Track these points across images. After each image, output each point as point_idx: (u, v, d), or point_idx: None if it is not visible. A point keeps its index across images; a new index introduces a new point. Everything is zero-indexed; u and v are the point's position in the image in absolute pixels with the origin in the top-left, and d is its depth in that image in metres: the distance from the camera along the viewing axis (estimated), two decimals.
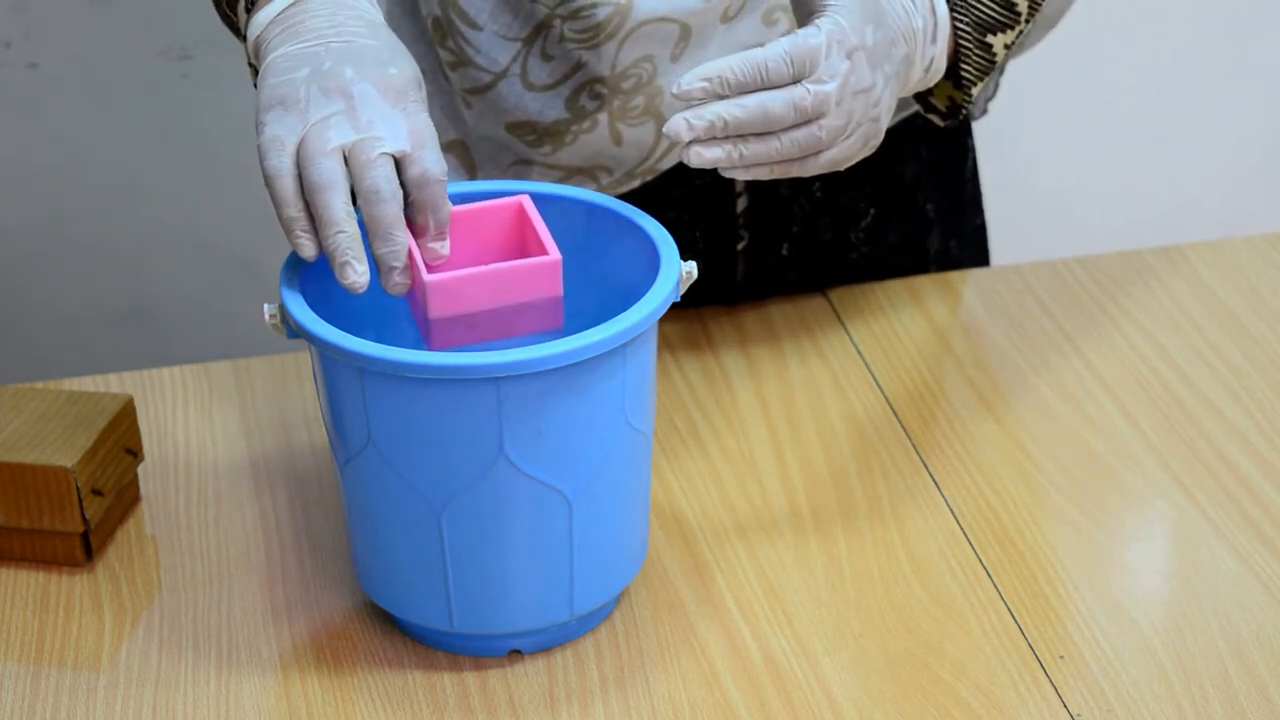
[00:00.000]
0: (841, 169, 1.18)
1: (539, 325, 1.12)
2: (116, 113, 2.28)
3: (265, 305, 1.13)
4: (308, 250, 1.08)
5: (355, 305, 1.15)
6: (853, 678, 1.13)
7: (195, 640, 1.18)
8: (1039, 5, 1.27)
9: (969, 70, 1.25)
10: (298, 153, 1.08)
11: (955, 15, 1.23)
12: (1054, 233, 2.51)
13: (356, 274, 1.07)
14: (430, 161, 1.09)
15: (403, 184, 1.09)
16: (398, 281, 1.09)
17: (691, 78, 1.10)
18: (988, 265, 1.58)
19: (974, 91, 1.27)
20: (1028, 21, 1.28)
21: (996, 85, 1.49)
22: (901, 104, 1.42)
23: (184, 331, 2.41)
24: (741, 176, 1.13)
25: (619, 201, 1.18)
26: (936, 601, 1.19)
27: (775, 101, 1.11)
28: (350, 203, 1.08)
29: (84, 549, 1.23)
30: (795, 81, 1.11)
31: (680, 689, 1.13)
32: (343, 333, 1.07)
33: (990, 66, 1.27)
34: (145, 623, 1.19)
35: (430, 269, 1.10)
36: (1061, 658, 1.14)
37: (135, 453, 1.27)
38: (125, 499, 1.28)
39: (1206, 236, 2.38)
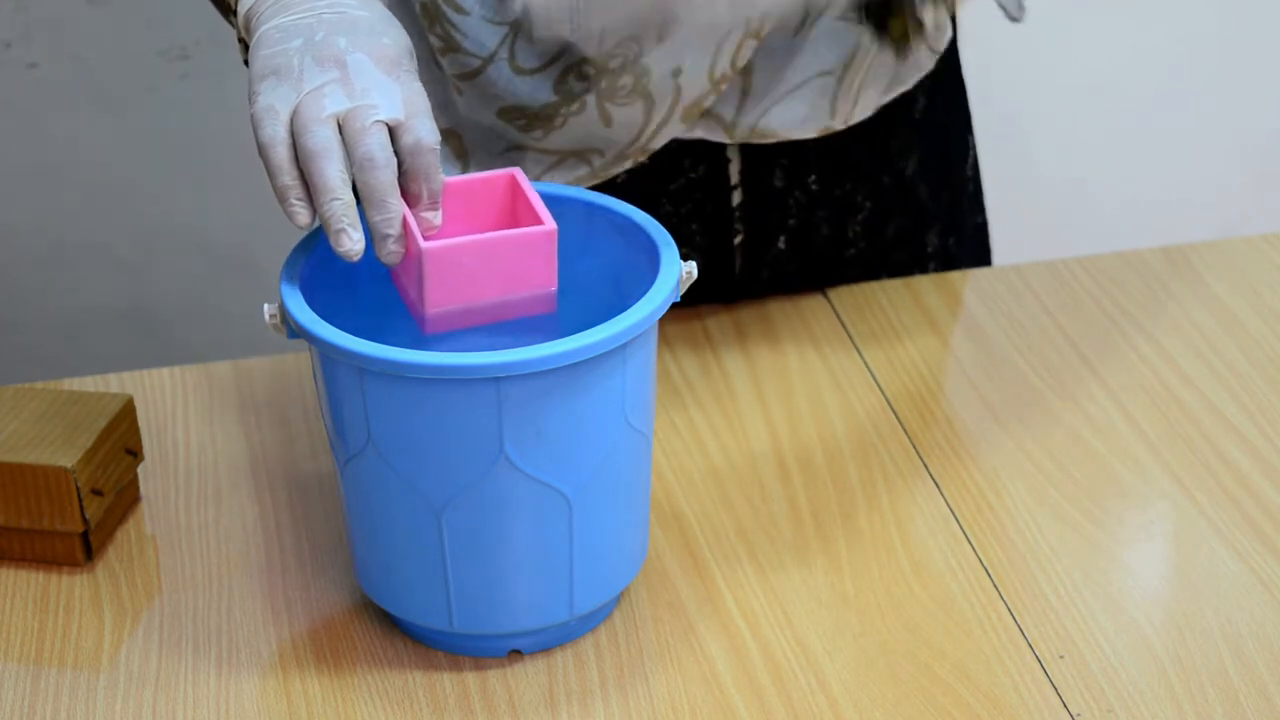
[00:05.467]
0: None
1: (533, 299, 1.12)
2: (116, 113, 2.28)
3: (265, 305, 1.13)
4: (302, 218, 1.09)
5: (355, 306, 1.15)
6: (853, 678, 1.13)
7: (195, 640, 1.18)
8: None
9: None
10: (292, 122, 1.09)
11: None
12: (1055, 232, 2.51)
13: (351, 241, 1.08)
14: (424, 130, 1.09)
15: (396, 152, 1.09)
16: (392, 250, 1.09)
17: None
18: (989, 264, 1.58)
19: (924, 16, 1.23)
20: None
21: None
22: (894, 85, 1.42)
23: (184, 331, 2.41)
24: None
25: (619, 201, 1.18)
26: (936, 601, 1.19)
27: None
28: (345, 170, 1.08)
29: (84, 549, 1.23)
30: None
31: (680, 689, 1.13)
32: (343, 333, 1.07)
33: None
34: (145, 623, 1.19)
35: (424, 238, 1.10)
36: (1061, 658, 1.14)
37: (135, 453, 1.27)
38: (125, 499, 1.28)
39: (1206, 236, 2.38)
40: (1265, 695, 1.12)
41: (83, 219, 2.34)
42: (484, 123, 1.37)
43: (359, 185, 1.08)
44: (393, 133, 1.09)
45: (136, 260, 2.37)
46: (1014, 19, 1.46)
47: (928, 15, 1.26)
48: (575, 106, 1.34)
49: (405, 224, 1.09)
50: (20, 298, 2.37)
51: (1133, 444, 1.32)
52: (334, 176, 1.07)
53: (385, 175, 1.08)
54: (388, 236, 1.09)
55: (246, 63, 1.15)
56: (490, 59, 1.33)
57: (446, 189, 1.12)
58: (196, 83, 2.28)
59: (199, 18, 2.25)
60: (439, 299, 1.10)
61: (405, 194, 1.10)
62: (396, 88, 1.10)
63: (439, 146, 1.10)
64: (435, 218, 1.11)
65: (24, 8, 2.21)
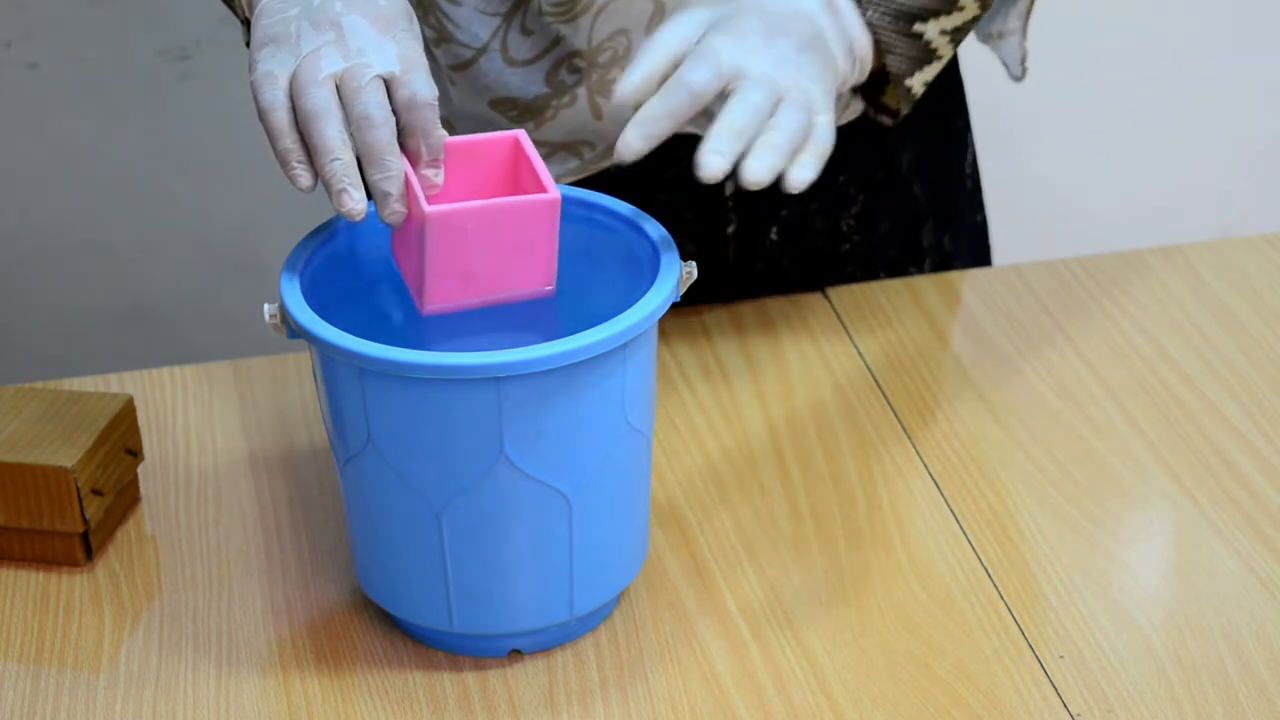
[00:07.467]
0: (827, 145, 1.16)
1: (533, 276, 1.11)
2: (116, 113, 2.28)
3: (265, 305, 1.13)
4: (304, 180, 1.09)
5: (355, 305, 1.15)
6: (853, 678, 1.13)
7: (195, 640, 1.18)
8: None
9: (897, 61, 1.25)
10: (290, 85, 1.09)
11: (864, 5, 1.24)
12: (1055, 232, 2.51)
13: (353, 200, 1.08)
14: (420, 84, 1.10)
15: (394, 109, 1.09)
16: (394, 209, 1.09)
17: (624, 88, 1.13)
18: (989, 264, 1.58)
19: (912, 84, 1.27)
20: (983, 8, 1.27)
21: (1024, 52, 1.47)
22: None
23: (184, 331, 2.41)
24: (762, 171, 1.11)
25: (619, 201, 1.18)
26: (936, 601, 1.19)
27: (688, 71, 1.12)
28: (344, 131, 1.08)
29: (84, 549, 1.23)
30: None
31: (680, 689, 1.13)
32: (342, 332, 1.07)
33: (929, 56, 1.27)
34: (145, 623, 1.19)
35: (427, 200, 1.10)
36: (1061, 658, 1.15)
37: (135, 453, 1.27)
38: (125, 499, 1.28)
39: (1206, 236, 2.38)
40: (1265, 695, 1.12)
41: (83, 219, 2.34)
42: (476, 114, 1.37)
43: (358, 145, 1.09)
44: (389, 89, 1.10)
45: (136, 260, 2.37)
46: (1016, 78, 1.47)
47: (916, 82, 1.28)
48: (566, 99, 1.34)
49: (408, 185, 1.09)
50: (20, 298, 2.37)
51: (1133, 444, 1.32)
52: (333, 137, 1.08)
53: (383, 133, 1.08)
54: (388, 195, 1.09)
55: (249, 44, 1.15)
56: (483, 50, 1.33)
57: (448, 150, 1.12)
58: (196, 83, 2.28)
59: (199, 18, 2.25)
60: (440, 265, 1.10)
61: (405, 151, 1.10)
62: (392, 45, 1.11)
63: (436, 101, 1.10)
64: (437, 176, 1.11)
65: (24, 8, 2.21)
